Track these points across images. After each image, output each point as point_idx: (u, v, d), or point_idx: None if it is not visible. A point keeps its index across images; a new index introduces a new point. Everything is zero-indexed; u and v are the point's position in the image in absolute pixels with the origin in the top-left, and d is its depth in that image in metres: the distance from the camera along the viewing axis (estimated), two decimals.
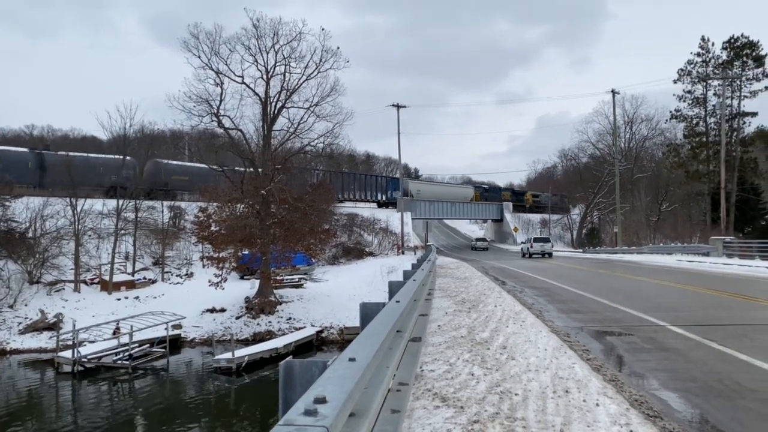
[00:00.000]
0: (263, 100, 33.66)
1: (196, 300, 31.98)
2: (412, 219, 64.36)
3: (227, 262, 32.57)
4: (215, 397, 22.12)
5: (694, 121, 59.49)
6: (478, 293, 15.13)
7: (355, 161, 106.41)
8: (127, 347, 24.81)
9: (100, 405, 20.77)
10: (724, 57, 57.17)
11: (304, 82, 33.55)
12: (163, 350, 26.08)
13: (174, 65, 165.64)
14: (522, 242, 54.49)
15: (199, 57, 32.07)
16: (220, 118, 32.66)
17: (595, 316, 11.19)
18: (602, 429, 4.45)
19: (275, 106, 33.97)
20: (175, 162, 51.98)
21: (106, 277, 34.34)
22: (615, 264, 30.37)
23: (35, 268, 32.96)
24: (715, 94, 57.06)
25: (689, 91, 58.69)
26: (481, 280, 19.73)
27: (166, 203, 43.01)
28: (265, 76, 33.42)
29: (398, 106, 56.23)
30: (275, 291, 32.86)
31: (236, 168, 35.78)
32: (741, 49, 56.41)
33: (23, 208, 35.55)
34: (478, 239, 74.03)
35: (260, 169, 33.18)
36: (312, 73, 33.36)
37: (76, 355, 23.75)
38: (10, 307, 30.02)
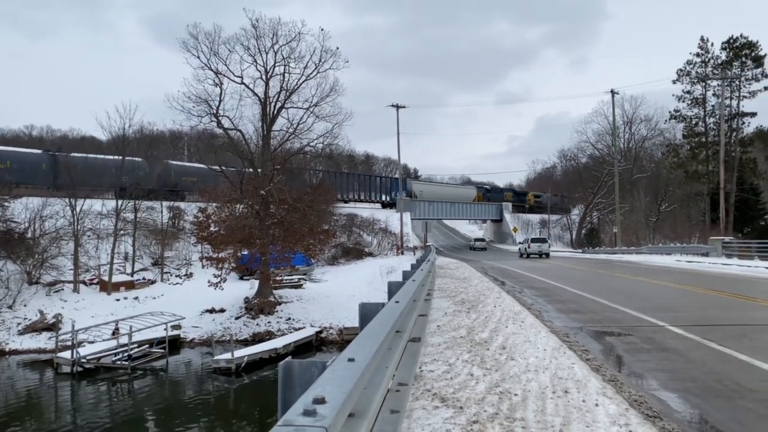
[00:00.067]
0: (262, 100, 33.68)
1: (196, 300, 31.98)
2: (412, 219, 64.36)
3: (226, 262, 32.57)
4: (214, 397, 22.12)
5: (694, 122, 59.54)
6: (477, 293, 15.13)
7: (355, 161, 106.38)
8: (126, 348, 24.80)
9: (99, 405, 20.76)
10: (724, 57, 57.23)
11: (303, 82, 33.62)
12: (163, 351, 26.08)
13: (173, 65, 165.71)
14: (520, 243, 54.82)
15: (198, 57, 32.14)
16: (220, 118, 32.69)
17: (595, 316, 11.19)
18: (601, 429, 4.45)
19: (274, 107, 34.01)
20: (184, 163, 52.27)
21: (106, 278, 34.33)
22: (614, 264, 30.37)
23: (34, 268, 32.95)
24: (714, 95, 57.14)
25: (688, 92, 58.77)
26: (481, 281, 19.72)
27: (165, 203, 43.01)
28: (264, 77, 33.46)
29: (397, 107, 56.28)
30: (274, 291, 32.86)
31: (236, 168, 35.81)
32: (740, 50, 56.45)
33: (22, 209, 35.55)
34: (476, 239, 74.33)
35: (259, 170, 33.18)
36: (311, 73, 33.42)
37: (75, 356, 23.75)
38: (9, 307, 30.00)
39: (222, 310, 31.53)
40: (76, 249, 34.20)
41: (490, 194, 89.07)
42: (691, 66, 58.34)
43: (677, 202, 60.24)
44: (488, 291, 15.81)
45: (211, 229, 32.68)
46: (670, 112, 61.32)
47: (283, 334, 29.07)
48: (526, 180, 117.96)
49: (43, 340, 27.85)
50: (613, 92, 56.79)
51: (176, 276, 38.42)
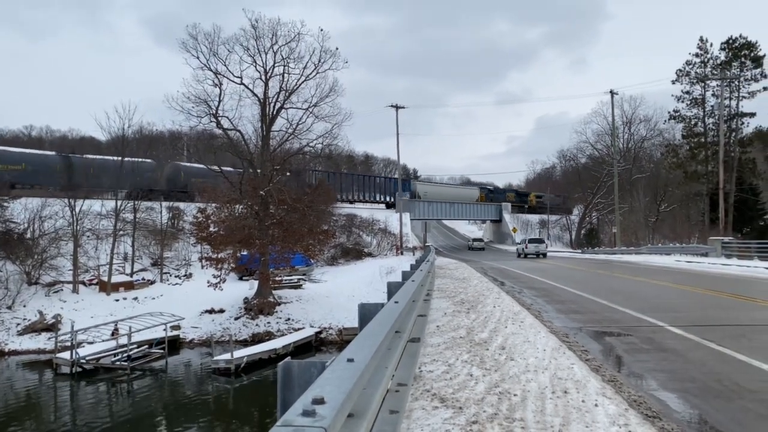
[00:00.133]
0: (262, 100, 33.69)
1: (195, 301, 31.97)
2: (411, 220, 64.43)
3: (226, 262, 32.56)
4: (214, 398, 22.11)
5: (693, 122, 59.57)
6: (476, 294, 15.13)
7: (354, 162, 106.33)
8: (125, 348, 24.78)
9: (98, 406, 20.75)
10: (723, 58, 57.26)
11: (302, 82, 33.66)
12: (162, 351, 26.08)
13: (173, 66, 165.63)
14: (517, 243, 55.22)
15: (198, 58, 32.18)
16: (219, 118, 32.71)
17: (594, 316, 11.19)
18: (601, 429, 4.45)
19: (274, 107, 34.03)
20: (193, 165, 52.55)
21: (105, 278, 34.31)
22: (613, 264, 30.37)
23: (34, 269, 32.93)
24: (713, 95, 57.18)
25: (688, 92, 58.80)
26: (480, 281, 19.72)
27: (165, 204, 43.05)
28: (263, 77, 33.48)
29: (397, 107, 56.29)
30: (274, 292, 32.86)
31: (236, 169, 35.85)
32: (739, 50, 56.49)
33: (22, 209, 35.56)
34: (474, 239, 74.76)
35: (259, 170, 33.18)
36: (311, 73, 33.45)
37: (74, 356, 23.73)
38: (9, 308, 29.99)
39: (221, 311, 31.52)
40: (76, 249, 34.18)
41: (492, 195, 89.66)
42: (691, 66, 58.42)
43: (676, 202, 60.26)
44: (487, 291, 15.81)
45: (211, 229, 32.67)
46: (669, 112, 61.45)
47: (282, 335, 29.06)
48: (525, 180, 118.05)
49: (42, 341, 27.84)
50: (612, 92, 56.78)
51: (176, 276, 38.41)
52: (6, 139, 71.03)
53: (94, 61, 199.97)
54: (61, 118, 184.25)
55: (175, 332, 28.43)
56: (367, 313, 4.93)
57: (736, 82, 56.10)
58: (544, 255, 44.65)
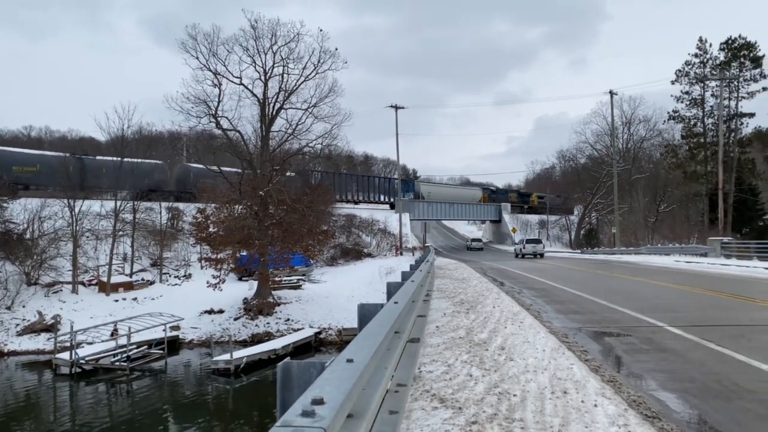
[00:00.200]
0: (261, 101, 33.67)
1: (195, 301, 31.96)
2: (411, 220, 64.51)
3: (225, 263, 32.54)
4: (213, 398, 22.09)
5: (692, 122, 59.60)
6: (476, 294, 15.14)
7: (354, 162, 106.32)
8: (125, 349, 24.76)
9: (98, 407, 20.74)
10: (722, 58, 57.28)
11: (302, 83, 33.64)
12: (162, 352, 26.07)
13: (173, 66, 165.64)
14: (515, 243, 55.55)
15: (197, 58, 32.15)
16: (218, 119, 32.69)
17: (594, 316, 11.20)
18: (600, 430, 4.45)
19: (273, 107, 34.00)
20: (203, 166, 53.01)
21: (104, 279, 34.29)
22: (613, 265, 30.39)
23: (33, 269, 32.91)
24: (712, 95, 57.18)
25: (687, 92, 58.83)
26: (480, 281, 19.73)
27: (164, 204, 43.06)
28: (263, 77, 33.46)
29: (396, 107, 56.28)
30: (273, 292, 32.85)
31: (236, 169, 35.87)
32: (738, 50, 56.52)
33: (21, 209, 35.55)
34: (473, 239, 75.48)
35: (258, 171, 33.18)
36: (310, 74, 33.43)
37: (74, 357, 23.71)
38: (8, 308, 29.96)
39: (221, 311, 31.51)
40: (75, 250, 34.17)
41: (495, 195, 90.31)
42: (690, 67, 58.46)
43: (676, 202, 60.28)
44: (487, 291, 15.82)
45: (210, 229, 32.67)
46: (668, 112, 61.48)
47: (282, 335, 29.05)
48: (525, 180, 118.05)
49: (41, 341, 27.82)
50: (611, 93, 56.77)
51: (175, 277, 38.40)
52: (6, 140, 71.01)
53: (93, 62, 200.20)
54: (61, 119, 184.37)
55: (174, 333, 28.42)
56: (366, 313, 4.93)
57: (736, 83, 56.13)
58: (542, 255, 45.17)
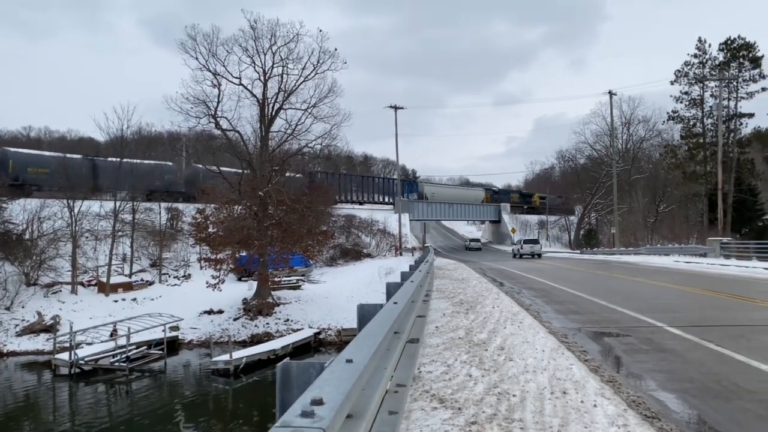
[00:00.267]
0: (261, 101, 33.67)
1: (194, 302, 31.94)
2: (410, 220, 64.59)
3: (225, 263, 32.55)
4: (213, 399, 22.08)
5: (691, 123, 59.63)
6: (475, 294, 15.14)
7: (353, 163, 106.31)
8: (124, 349, 24.75)
9: (97, 407, 20.72)
10: (721, 58, 57.31)
11: (301, 83, 33.65)
12: (161, 352, 26.05)
13: (172, 66, 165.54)
14: (513, 244, 55.97)
15: (197, 58, 32.16)
16: (218, 119, 32.70)
17: (593, 317, 11.20)
18: (600, 430, 4.45)
19: (273, 108, 34.01)
20: (226, 169, 53.79)
21: (104, 279, 34.27)
22: (612, 265, 30.40)
23: (32, 269, 32.89)
24: (712, 96, 57.20)
25: (686, 93, 58.88)
26: (479, 282, 19.73)
27: (164, 205, 43.09)
28: (262, 78, 33.46)
29: (396, 108, 56.33)
30: (273, 293, 32.84)
31: (235, 170, 35.90)
32: (737, 51, 56.56)
33: (20, 210, 35.53)
34: (471, 240, 76.36)
35: (258, 171, 33.18)
36: (309, 74, 33.44)
37: (73, 358, 23.70)
38: (7, 309, 29.95)
39: (220, 312, 31.50)
40: (74, 250, 34.15)
41: (497, 196, 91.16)
42: (689, 67, 58.50)
43: (675, 202, 60.31)
44: (486, 292, 15.83)
45: (210, 230, 32.66)
46: (668, 113, 61.51)
47: (281, 336, 29.04)
48: (524, 181, 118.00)
49: (41, 342, 27.81)
50: (611, 93, 56.80)
51: (174, 277, 38.39)
52: (5, 140, 70.95)
53: (93, 62, 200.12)
54: (60, 119, 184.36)
55: (173, 333, 28.40)
56: (366, 313, 4.93)
57: (735, 83, 56.18)
58: (539, 255, 45.82)
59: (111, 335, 26.48)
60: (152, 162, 47.21)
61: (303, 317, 31.03)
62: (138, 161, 42.38)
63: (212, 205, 33.81)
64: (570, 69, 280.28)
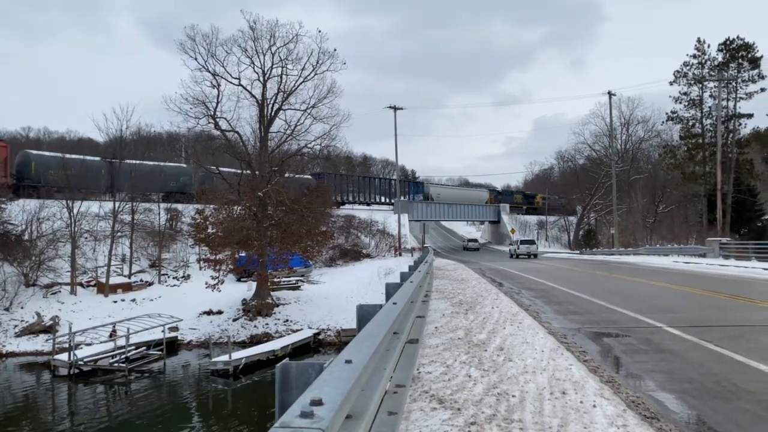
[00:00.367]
0: (260, 102, 33.67)
1: (193, 302, 31.92)
2: (410, 221, 64.65)
3: (224, 264, 32.52)
4: (212, 399, 22.07)
5: (691, 123, 59.68)
6: (475, 295, 15.14)
7: (353, 163, 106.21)
8: (123, 350, 24.74)
9: (96, 408, 20.71)
10: (720, 59, 57.38)
11: (300, 84, 33.65)
12: (160, 353, 26.04)
13: (172, 67, 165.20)
14: (510, 244, 56.53)
15: (196, 59, 32.17)
16: (217, 120, 32.70)
17: (592, 317, 11.21)
18: (599, 430, 4.46)
19: (272, 108, 34.01)
20: (228, 169, 54.32)
21: (103, 280, 34.25)
22: (612, 265, 30.41)
23: (31, 270, 32.86)
24: (711, 96, 57.28)
25: (685, 93, 58.93)
26: (478, 282, 19.73)
27: (163, 205, 43.12)
28: (261, 78, 33.46)
29: (395, 108, 56.37)
30: (272, 293, 32.83)
31: (235, 170, 35.94)
32: (737, 51, 56.61)
33: (19, 211, 35.51)
34: (469, 240, 77.14)
35: (257, 171, 33.17)
36: (309, 75, 33.44)
37: (72, 358, 23.67)
38: (6, 309, 29.92)
39: (220, 312, 31.48)
40: (73, 251, 34.12)
41: (501, 196, 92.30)
42: (688, 68, 58.54)
43: (674, 203, 60.34)
44: (486, 292, 15.83)
45: (209, 230, 32.65)
46: (667, 113, 61.56)
47: (280, 336, 29.02)
48: (524, 181, 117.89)
49: (40, 343, 27.78)
50: (610, 94, 56.85)
51: (174, 278, 38.36)
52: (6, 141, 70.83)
53: (92, 63, 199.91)
54: (60, 120, 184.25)
55: (173, 334, 28.38)
56: (365, 314, 4.93)
57: (734, 84, 56.23)
58: (535, 255, 47.07)
59: (110, 336, 26.46)
60: (168, 164, 48.22)
61: (302, 318, 31.02)
62: (154, 163, 42.69)
63: (211, 206, 33.79)
64: (569, 69, 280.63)
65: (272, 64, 33.27)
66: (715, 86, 55.17)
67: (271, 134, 34.30)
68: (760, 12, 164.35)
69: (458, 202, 79.01)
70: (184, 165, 50.00)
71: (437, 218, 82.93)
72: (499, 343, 8.16)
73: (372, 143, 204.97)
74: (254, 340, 28.76)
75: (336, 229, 47.72)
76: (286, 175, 35.99)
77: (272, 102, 33.85)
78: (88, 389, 22.75)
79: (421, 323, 8.75)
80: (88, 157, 44.74)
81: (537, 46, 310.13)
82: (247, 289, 33.54)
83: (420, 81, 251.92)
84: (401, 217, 55.99)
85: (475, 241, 76.68)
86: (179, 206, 44.55)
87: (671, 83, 59.42)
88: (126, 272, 37.15)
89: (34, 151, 45.84)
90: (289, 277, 37.33)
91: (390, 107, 56.32)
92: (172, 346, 27.60)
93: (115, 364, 24.42)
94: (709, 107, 57.51)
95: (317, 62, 33.16)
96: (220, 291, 30.96)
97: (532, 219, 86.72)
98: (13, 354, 27.05)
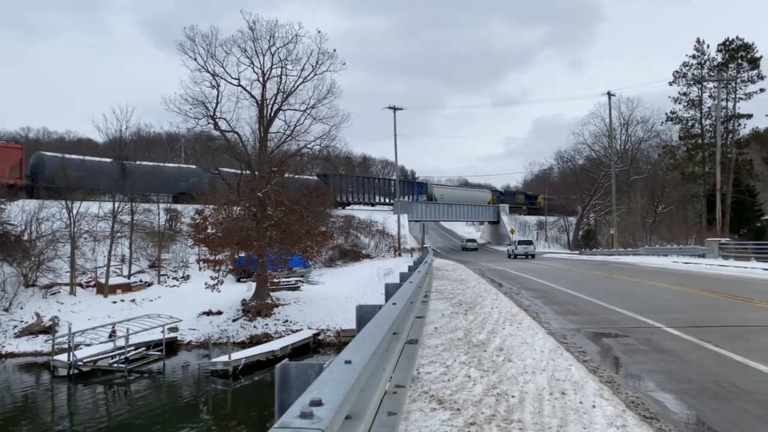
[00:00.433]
0: (259, 102, 33.68)
1: (193, 303, 31.91)
2: (409, 221, 64.66)
3: (224, 264, 32.51)
4: (212, 400, 22.07)
5: (690, 123, 59.68)
6: (474, 295, 15.14)
7: (352, 163, 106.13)
8: (123, 350, 24.73)
9: (96, 409, 20.70)
10: (719, 59, 57.38)
11: (300, 84, 33.67)
12: (160, 353, 26.03)
13: (172, 67, 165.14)
14: (508, 244, 56.76)
15: (195, 59, 32.19)
16: (217, 120, 32.70)
17: (592, 317, 11.21)
18: (599, 430, 4.46)
19: (271, 109, 34.02)
20: (237, 171, 54.84)
21: (102, 280, 34.24)
22: (611, 266, 30.43)
23: (31, 271, 32.84)
24: (710, 96, 57.24)
25: (684, 93, 58.93)
26: (478, 282, 19.73)
27: (162, 205, 43.12)
28: (261, 79, 33.46)
29: (395, 109, 56.37)
30: (272, 293, 32.83)
31: (235, 171, 35.95)
32: (736, 51, 56.62)
33: (19, 211, 35.50)
34: (468, 240, 77.71)
35: (256, 172, 33.17)
36: (308, 75, 33.46)
37: (71, 359, 23.65)
38: (6, 310, 29.90)
39: (219, 313, 31.47)
40: (73, 251, 34.11)
41: (503, 197, 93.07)
42: (687, 68, 58.55)
43: (674, 203, 60.35)
44: (485, 293, 15.83)
45: (208, 231, 32.63)
46: (666, 113, 61.54)
47: (280, 337, 29.02)
48: (523, 182, 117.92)
49: (39, 343, 27.77)
50: (609, 94, 56.87)
51: (173, 278, 38.35)
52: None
53: (92, 63, 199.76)
54: (59, 120, 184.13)
55: (172, 334, 28.37)
56: (364, 314, 4.93)
57: (733, 84, 56.23)
58: (533, 256, 47.68)
59: (110, 336, 26.45)
60: (178, 165, 48.92)
61: (302, 318, 31.02)
62: (164, 164, 42.83)
63: (211, 206, 33.78)
64: (569, 69, 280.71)
65: (272, 65, 33.31)
66: (714, 86, 55.15)
67: (271, 135, 34.32)
68: (760, 12, 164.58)
69: (462, 202, 79.51)
70: (194, 166, 50.41)
71: (437, 218, 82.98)
72: (499, 343, 8.16)
73: (371, 143, 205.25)
74: (254, 341, 28.75)
75: (335, 230, 47.69)
76: (287, 175, 35.97)
77: (272, 102, 33.89)
78: (88, 390, 22.74)
79: (420, 324, 8.75)
80: (96, 159, 45.05)
81: (536, 47, 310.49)
82: (246, 289, 33.53)
83: (420, 81, 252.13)
84: (401, 218, 55.98)
85: (474, 241, 77.09)
86: (179, 206, 44.58)
87: (671, 84, 59.50)
88: (125, 273, 37.13)
89: (48, 153, 46.21)
90: (289, 277, 37.32)
91: (389, 107, 56.36)
92: (171, 347, 27.59)
93: (115, 365, 24.42)
94: (709, 107, 57.55)
95: (317, 63, 33.22)
96: (219, 291, 30.95)
97: (532, 219, 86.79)
98: (12, 354, 27.04)
